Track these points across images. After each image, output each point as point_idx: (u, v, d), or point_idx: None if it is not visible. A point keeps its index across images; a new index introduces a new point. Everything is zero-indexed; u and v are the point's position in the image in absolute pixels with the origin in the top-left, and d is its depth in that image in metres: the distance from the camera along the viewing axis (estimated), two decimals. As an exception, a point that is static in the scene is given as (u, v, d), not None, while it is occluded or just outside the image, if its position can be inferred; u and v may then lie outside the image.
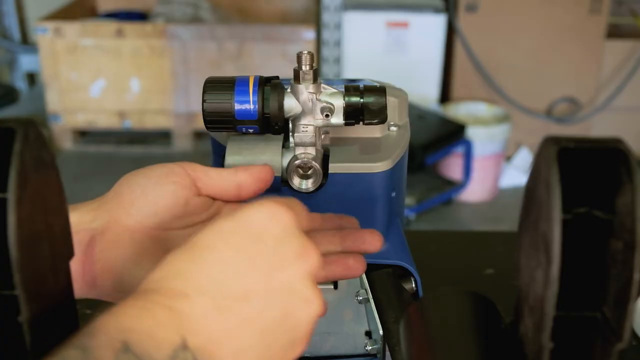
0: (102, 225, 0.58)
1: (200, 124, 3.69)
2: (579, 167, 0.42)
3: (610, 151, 0.42)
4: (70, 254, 0.49)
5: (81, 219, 0.57)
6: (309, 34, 3.55)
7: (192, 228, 0.60)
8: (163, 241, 0.59)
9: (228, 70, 3.55)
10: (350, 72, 3.51)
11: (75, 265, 0.54)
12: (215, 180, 0.60)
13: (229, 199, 0.61)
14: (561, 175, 0.40)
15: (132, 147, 3.79)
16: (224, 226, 0.48)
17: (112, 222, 0.58)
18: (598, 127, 3.56)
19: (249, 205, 0.49)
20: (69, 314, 0.49)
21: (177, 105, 3.68)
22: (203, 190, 0.60)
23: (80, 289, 0.56)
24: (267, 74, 0.67)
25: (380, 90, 0.67)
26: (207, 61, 3.60)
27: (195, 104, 3.65)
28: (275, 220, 0.49)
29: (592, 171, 0.43)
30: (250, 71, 3.47)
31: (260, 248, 0.48)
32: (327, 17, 3.54)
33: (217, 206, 0.61)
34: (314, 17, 3.75)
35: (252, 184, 0.60)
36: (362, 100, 0.66)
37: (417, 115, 3.12)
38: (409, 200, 3.01)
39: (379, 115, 0.66)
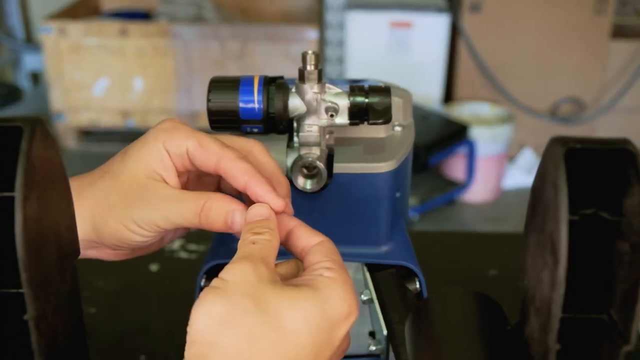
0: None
1: (203, 123, 3.69)
2: (586, 167, 0.42)
3: (618, 152, 0.42)
4: (76, 252, 0.49)
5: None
6: (312, 34, 3.55)
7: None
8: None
9: (231, 70, 3.55)
10: (353, 72, 3.51)
11: None
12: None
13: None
14: (568, 176, 0.40)
15: (135, 146, 3.79)
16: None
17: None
18: (603, 128, 3.55)
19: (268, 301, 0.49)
20: (75, 313, 0.49)
21: (180, 105, 3.68)
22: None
23: None
24: (270, 73, 0.67)
25: (385, 91, 0.66)
26: (210, 61, 3.60)
27: (198, 103, 3.65)
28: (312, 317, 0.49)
29: (599, 172, 0.43)
30: (253, 71, 3.47)
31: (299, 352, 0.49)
32: (330, 17, 3.54)
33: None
34: (317, 17, 3.74)
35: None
36: (367, 100, 0.66)
37: (420, 115, 3.12)
38: (412, 201, 3.01)
39: (384, 115, 0.66)
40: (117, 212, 0.58)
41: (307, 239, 0.57)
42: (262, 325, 0.47)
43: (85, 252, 0.61)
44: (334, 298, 0.50)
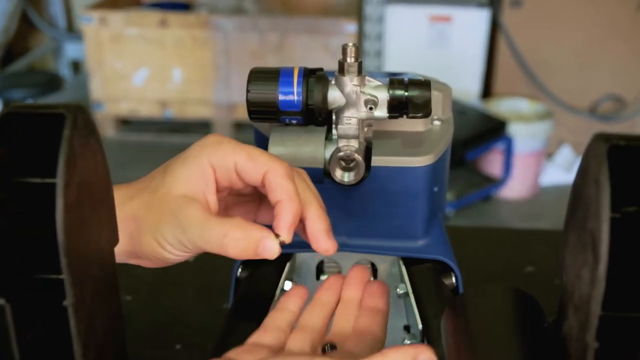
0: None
1: (240, 115, 3.71)
2: (628, 165, 0.41)
3: (661, 149, 0.41)
4: (115, 240, 0.50)
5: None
6: (351, 27, 3.54)
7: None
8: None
9: (269, 62, 3.56)
10: (392, 65, 3.50)
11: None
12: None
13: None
14: (611, 173, 0.40)
15: (173, 137, 3.82)
16: None
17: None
18: (643, 126, 3.51)
19: None
20: (113, 300, 0.50)
21: (218, 96, 3.70)
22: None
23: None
24: (308, 66, 0.67)
25: (425, 84, 0.66)
26: (248, 52, 3.61)
27: (236, 94, 3.66)
28: None
29: (642, 169, 0.42)
30: (291, 63, 3.48)
31: None
32: (369, 10, 3.53)
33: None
34: (356, 10, 3.74)
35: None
36: (406, 93, 0.65)
37: (458, 110, 3.10)
38: (448, 196, 3.00)
39: (424, 109, 0.66)
40: (151, 229, 0.57)
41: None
42: None
43: (127, 261, 0.61)
44: None
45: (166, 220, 0.56)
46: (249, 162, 0.56)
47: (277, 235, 0.55)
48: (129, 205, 0.58)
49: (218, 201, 0.58)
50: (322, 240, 0.57)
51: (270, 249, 0.55)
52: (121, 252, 0.58)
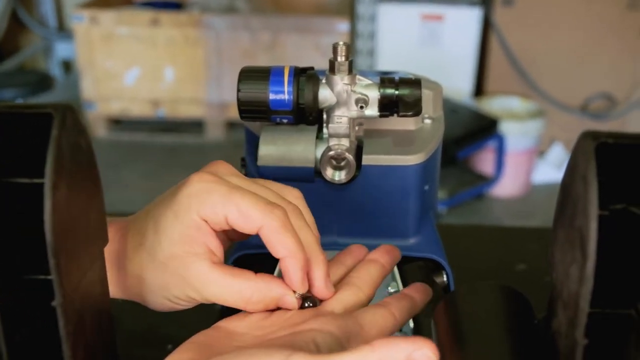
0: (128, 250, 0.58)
1: (232, 114, 3.71)
2: (617, 162, 0.42)
3: (649, 147, 0.42)
4: (104, 241, 0.49)
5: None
6: (343, 26, 3.54)
7: None
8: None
9: (261, 61, 3.55)
10: (384, 64, 3.50)
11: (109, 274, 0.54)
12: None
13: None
14: (599, 170, 0.40)
15: (165, 136, 3.82)
16: None
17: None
18: (634, 124, 3.51)
19: None
20: (102, 300, 0.50)
21: (210, 95, 3.69)
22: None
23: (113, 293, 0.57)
24: (299, 65, 0.67)
25: (415, 83, 0.66)
26: (240, 51, 3.61)
27: (228, 93, 3.66)
28: None
29: (630, 167, 0.42)
30: (283, 62, 3.47)
31: None
32: (361, 9, 3.53)
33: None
34: (348, 9, 3.74)
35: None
36: (397, 92, 0.65)
37: (450, 109, 3.10)
38: (440, 194, 3.00)
39: (414, 107, 0.66)
40: (161, 291, 0.56)
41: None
42: None
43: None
44: None
45: (175, 283, 0.55)
46: (241, 219, 0.53)
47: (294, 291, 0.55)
48: (128, 267, 0.57)
49: (220, 242, 0.56)
50: (321, 288, 0.56)
51: (291, 304, 0.55)
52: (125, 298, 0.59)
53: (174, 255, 0.54)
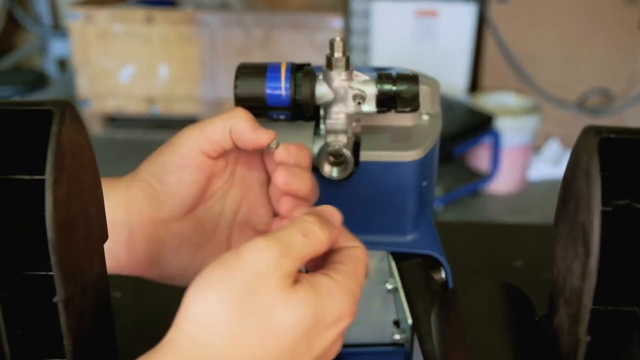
0: (137, 222, 0.60)
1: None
2: (619, 158, 0.41)
3: (652, 142, 0.41)
4: (104, 236, 0.49)
5: (115, 215, 0.58)
6: (337, 22, 3.54)
7: (215, 197, 0.64)
8: (196, 220, 0.62)
9: (255, 58, 3.55)
10: (379, 60, 3.50)
11: (119, 254, 0.56)
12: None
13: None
14: (601, 166, 0.40)
15: (160, 133, 3.81)
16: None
17: (145, 220, 0.60)
18: (631, 120, 3.51)
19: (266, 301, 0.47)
20: (102, 296, 0.49)
21: (204, 92, 3.69)
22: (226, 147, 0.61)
23: (123, 269, 0.61)
24: (294, 61, 0.67)
25: (413, 78, 0.66)
26: (234, 48, 3.60)
27: (222, 90, 3.65)
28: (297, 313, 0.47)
29: (633, 162, 0.42)
30: (277, 59, 3.45)
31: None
32: (356, 5, 3.53)
33: (230, 167, 0.64)
34: (342, 5, 3.73)
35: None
36: (394, 88, 0.65)
37: (445, 105, 3.07)
38: (436, 191, 3.00)
39: (412, 103, 0.66)
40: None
41: (344, 243, 0.55)
42: (249, 327, 0.45)
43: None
44: (328, 303, 0.48)
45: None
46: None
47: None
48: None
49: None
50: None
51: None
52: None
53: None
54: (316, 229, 0.50)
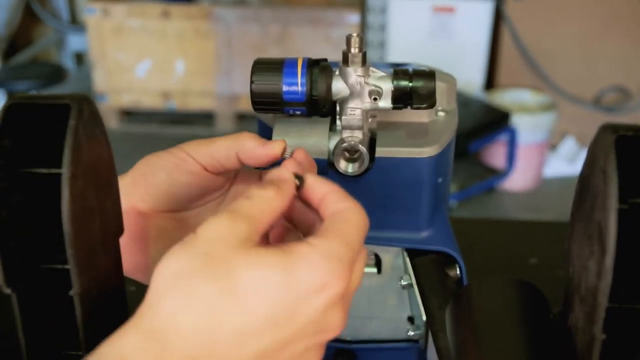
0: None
1: (242, 106, 3.69)
2: (636, 156, 0.41)
3: (669, 140, 0.41)
4: (120, 230, 0.50)
5: None
6: (354, 18, 3.53)
7: (206, 206, 0.64)
8: (180, 220, 0.63)
9: (271, 53, 3.55)
10: (395, 56, 3.49)
11: None
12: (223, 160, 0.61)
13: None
14: (618, 164, 0.40)
15: (176, 128, 3.82)
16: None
17: (130, 209, 0.60)
18: (648, 118, 3.49)
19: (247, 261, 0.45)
20: (118, 290, 0.50)
21: (220, 87, 3.69)
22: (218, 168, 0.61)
23: None
24: (310, 57, 0.67)
25: (429, 75, 0.66)
26: (250, 44, 3.60)
27: (237, 86, 3.66)
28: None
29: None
30: (293, 54, 3.44)
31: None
32: (372, 1, 3.52)
33: (229, 183, 0.65)
34: (359, 1, 3.73)
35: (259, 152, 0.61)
36: (410, 84, 0.65)
37: (461, 101, 3.08)
38: (451, 188, 2.99)
39: (428, 99, 0.65)
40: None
41: (333, 205, 0.52)
42: (209, 287, 0.43)
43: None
44: (303, 266, 0.45)
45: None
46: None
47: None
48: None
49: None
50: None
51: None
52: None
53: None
54: (257, 189, 0.49)
